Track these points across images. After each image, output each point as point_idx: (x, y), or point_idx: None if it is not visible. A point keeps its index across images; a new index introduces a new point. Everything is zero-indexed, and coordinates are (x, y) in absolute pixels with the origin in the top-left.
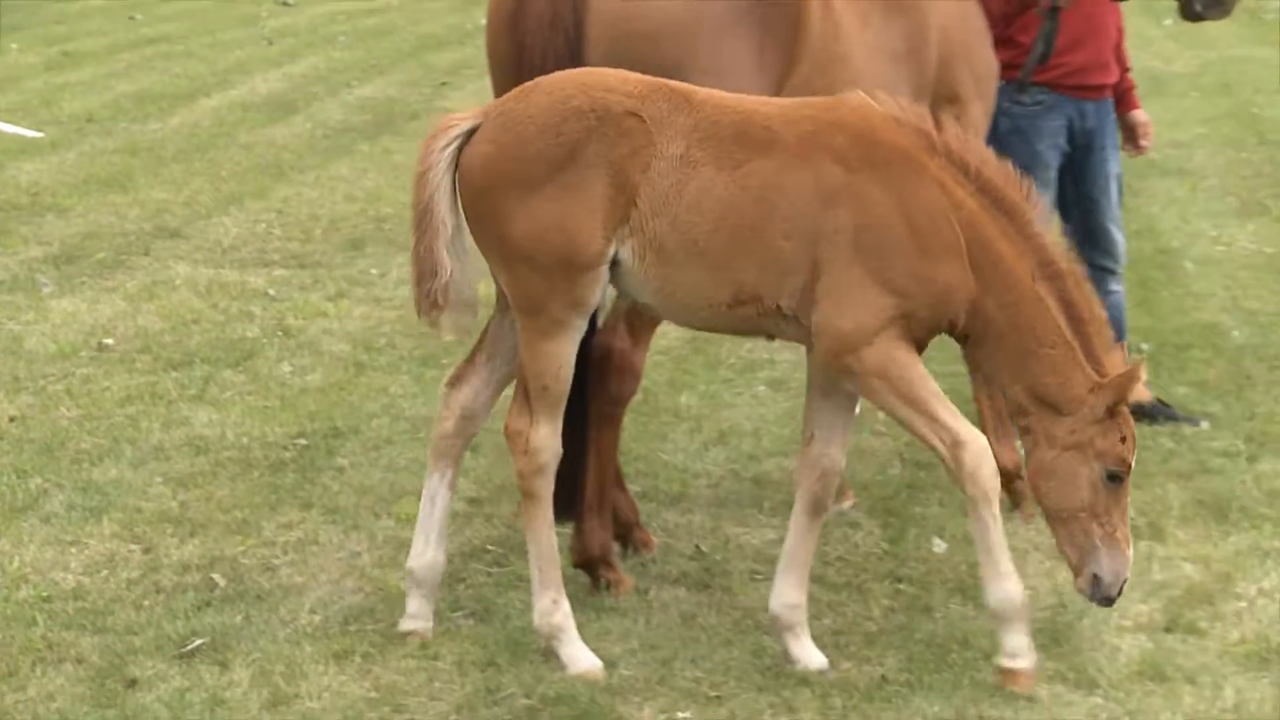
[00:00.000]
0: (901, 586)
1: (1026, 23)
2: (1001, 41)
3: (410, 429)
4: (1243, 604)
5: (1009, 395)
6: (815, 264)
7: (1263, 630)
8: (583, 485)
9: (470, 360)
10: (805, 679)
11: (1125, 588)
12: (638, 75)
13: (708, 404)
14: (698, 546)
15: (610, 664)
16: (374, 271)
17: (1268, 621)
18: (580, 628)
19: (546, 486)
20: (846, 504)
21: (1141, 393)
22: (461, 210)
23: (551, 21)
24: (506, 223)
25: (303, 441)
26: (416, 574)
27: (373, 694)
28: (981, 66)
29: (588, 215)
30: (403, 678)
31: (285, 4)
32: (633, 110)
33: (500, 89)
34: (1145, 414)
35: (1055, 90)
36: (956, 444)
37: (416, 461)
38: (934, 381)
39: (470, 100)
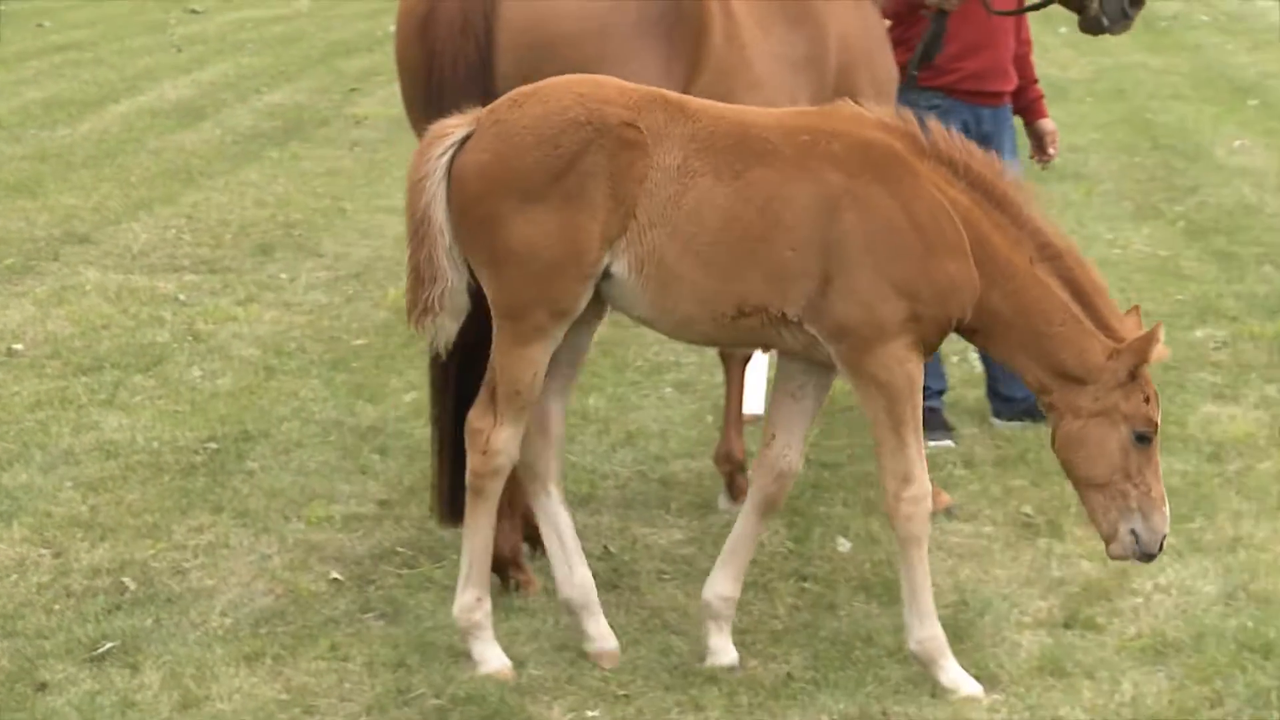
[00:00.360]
0: (807, 585)
1: (917, 24)
2: (897, 43)
3: (321, 432)
4: (1139, 600)
5: (1029, 379)
6: (825, 271)
7: (1159, 625)
8: None
9: None
10: (713, 677)
11: (1163, 544)
12: (633, 85)
13: (615, 406)
14: (606, 547)
15: (519, 663)
16: (284, 276)
17: (1164, 617)
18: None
19: (496, 489)
20: None
21: (1161, 351)
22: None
23: (462, 28)
24: (501, 229)
25: (213, 445)
26: (574, 600)
27: (283, 696)
28: (882, 72)
29: (585, 225)
30: (313, 679)
31: (194, 11)
32: (630, 121)
33: (409, 96)
34: (1043, 413)
35: (951, 95)
36: (905, 481)
37: (327, 464)
38: (921, 412)
39: (380, 106)
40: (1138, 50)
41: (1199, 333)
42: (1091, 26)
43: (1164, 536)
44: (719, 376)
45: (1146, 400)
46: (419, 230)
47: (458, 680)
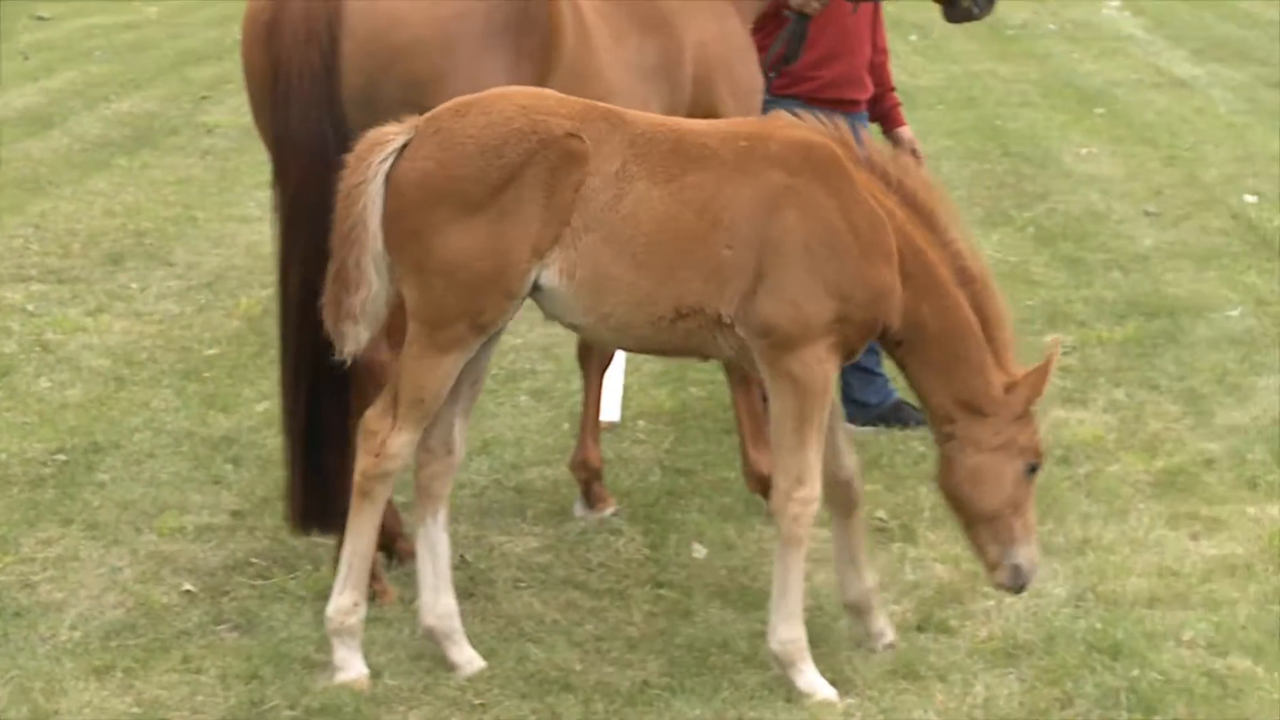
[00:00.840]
0: (663, 592)
1: (779, 28)
2: (760, 50)
3: (173, 443)
4: (991, 603)
5: (934, 405)
6: (759, 269)
7: (1010, 628)
8: (346, 498)
9: None
10: (569, 685)
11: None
12: (572, 98)
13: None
14: (462, 556)
15: (375, 673)
16: (134, 286)
17: (1015, 619)
18: None
19: (384, 493)
20: (608, 511)
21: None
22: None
23: (306, 36)
24: (434, 238)
25: (62, 457)
26: (438, 630)
27: (135, 709)
28: (744, 82)
29: (519, 240)
30: (165, 692)
31: (40, 19)
32: (573, 132)
33: (256, 103)
34: (897, 419)
35: (810, 103)
36: (798, 483)
37: (179, 475)
38: (826, 418)
39: (230, 115)
40: (987, 58)
41: (1048, 338)
42: (960, 16)
43: (1038, 566)
44: (575, 384)
45: (1036, 431)
46: (350, 235)
47: (312, 691)
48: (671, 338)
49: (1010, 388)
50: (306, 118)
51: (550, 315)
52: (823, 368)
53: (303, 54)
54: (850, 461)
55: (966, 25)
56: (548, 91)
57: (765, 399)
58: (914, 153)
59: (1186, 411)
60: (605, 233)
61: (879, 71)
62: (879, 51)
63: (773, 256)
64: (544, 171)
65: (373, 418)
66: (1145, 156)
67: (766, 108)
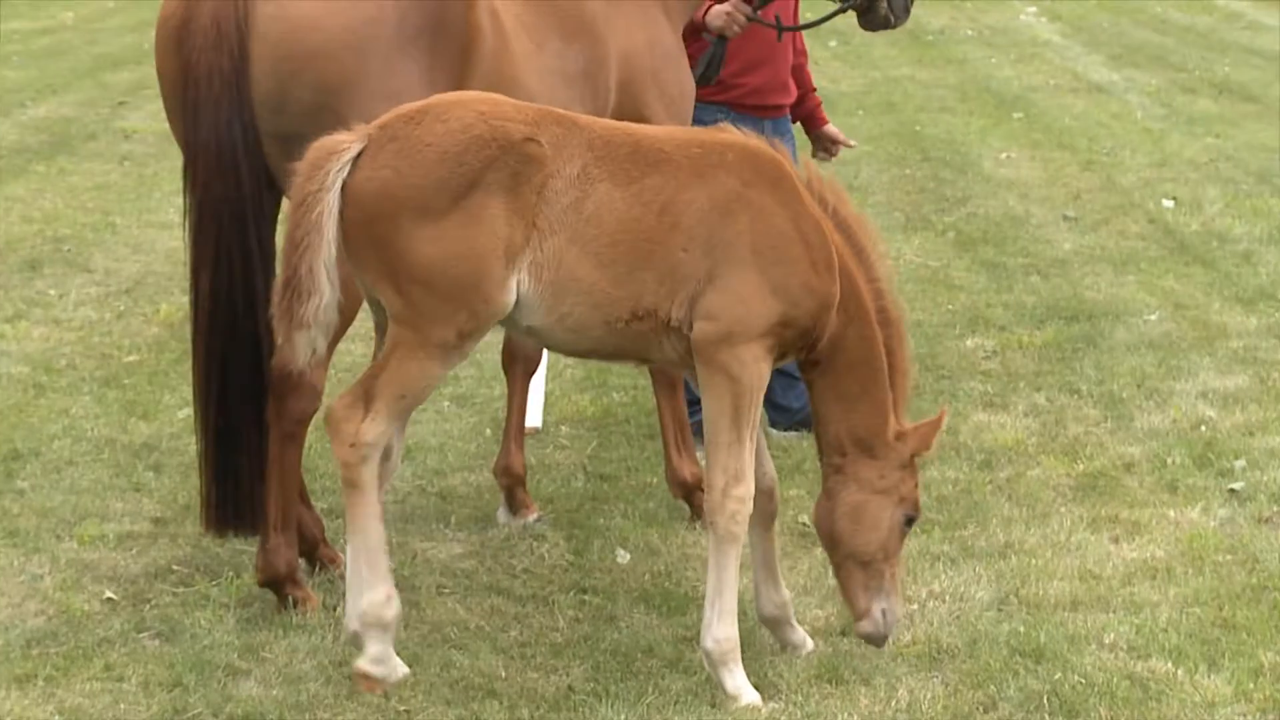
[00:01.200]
0: (587, 597)
1: (700, 44)
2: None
3: (93, 450)
4: (914, 607)
5: (829, 434)
6: (710, 272)
7: (934, 632)
8: (266, 504)
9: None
10: (493, 691)
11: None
12: (525, 103)
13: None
14: None
15: (299, 680)
16: (53, 293)
17: (938, 623)
18: (267, 645)
19: (371, 475)
20: (531, 517)
21: (935, 446)
22: (341, 233)
23: (216, 40)
24: (404, 246)
25: None
26: (369, 615)
27: (57, 717)
28: (673, 89)
29: (490, 244)
30: (87, 700)
31: None
32: (531, 136)
33: (169, 106)
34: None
35: (735, 109)
36: (735, 479)
37: (99, 483)
38: (758, 418)
39: (149, 120)
40: (906, 63)
41: (969, 342)
42: (877, 24)
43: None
44: (497, 390)
45: (917, 485)
46: (304, 241)
47: (236, 699)
48: (622, 340)
49: (900, 436)
50: (215, 121)
51: (505, 319)
52: (759, 367)
53: (212, 58)
54: (771, 470)
55: (886, 31)
56: (500, 96)
57: (691, 403)
58: (838, 146)
59: (1106, 415)
60: (570, 234)
61: (799, 74)
62: (799, 54)
63: (724, 258)
64: (506, 176)
65: (340, 410)
66: (1063, 161)
67: (696, 114)
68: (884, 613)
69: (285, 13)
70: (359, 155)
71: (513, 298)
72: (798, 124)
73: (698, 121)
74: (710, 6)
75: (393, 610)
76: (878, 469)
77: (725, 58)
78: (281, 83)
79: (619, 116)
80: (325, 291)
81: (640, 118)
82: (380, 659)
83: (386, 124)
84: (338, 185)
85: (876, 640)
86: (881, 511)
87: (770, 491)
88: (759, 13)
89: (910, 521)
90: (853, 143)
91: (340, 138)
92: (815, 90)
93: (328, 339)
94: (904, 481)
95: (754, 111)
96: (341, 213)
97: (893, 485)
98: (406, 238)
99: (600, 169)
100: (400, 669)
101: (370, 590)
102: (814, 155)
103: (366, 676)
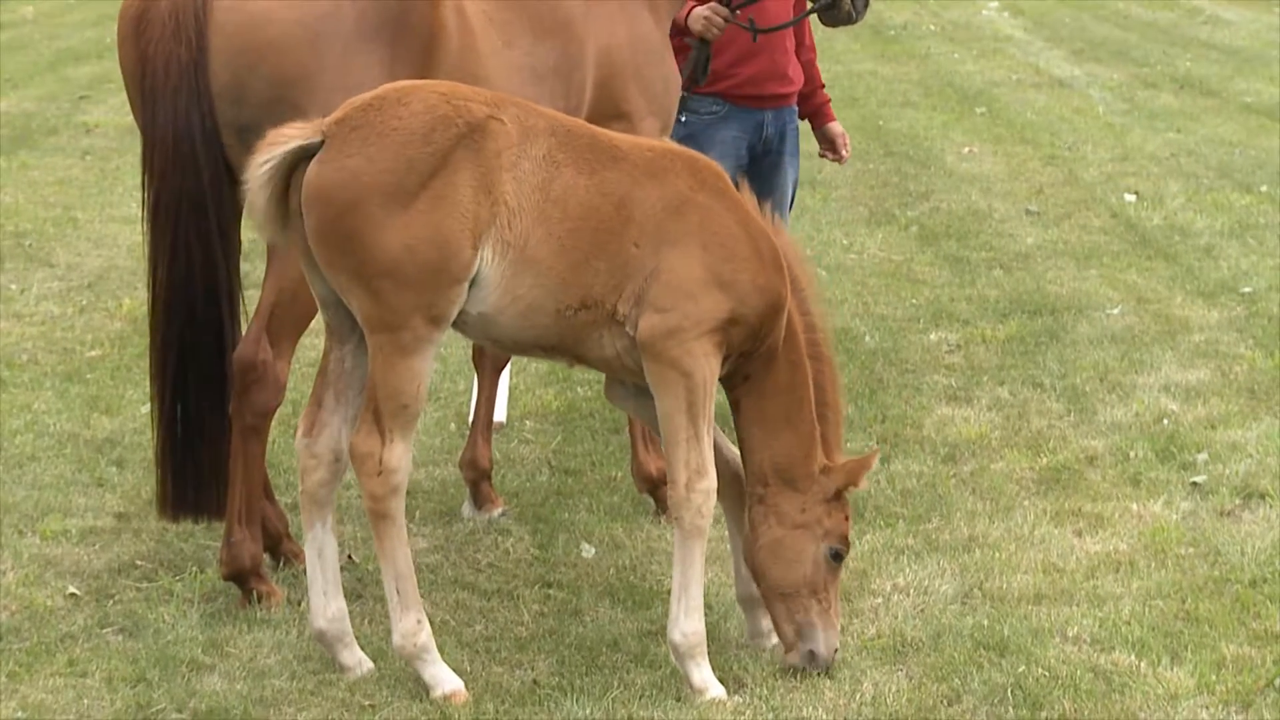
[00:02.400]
0: (551, 592)
1: (682, 48)
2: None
3: (55, 445)
4: (879, 600)
5: (753, 463)
6: (657, 267)
7: (898, 625)
8: (230, 498)
9: (318, 404)
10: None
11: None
12: (481, 89)
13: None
14: (350, 556)
15: (263, 675)
16: (14, 287)
17: (903, 617)
18: (232, 640)
19: (399, 506)
20: (496, 511)
21: (863, 483)
22: (306, 233)
23: (174, 31)
24: (374, 238)
25: None
26: (329, 633)
27: (20, 713)
28: (656, 85)
29: (458, 224)
30: (50, 696)
31: None
32: (495, 115)
33: (130, 96)
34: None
35: (729, 100)
36: (698, 473)
37: (61, 478)
38: (711, 410)
39: (111, 114)
40: (868, 58)
41: (933, 336)
42: (840, 19)
43: (836, 650)
44: (461, 385)
45: (846, 519)
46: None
47: (200, 693)
48: (565, 330)
49: (827, 470)
50: (173, 112)
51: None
52: (709, 362)
53: (169, 48)
54: (735, 454)
55: (847, 27)
56: (456, 83)
57: None
58: (845, 147)
59: (1069, 409)
60: (537, 214)
61: (808, 69)
62: (806, 49)
63: (671, 254)
64: (472, 154)
65: (361, 440)
66: (1026, 156)
67: (686, 105)
68: (810, 654)
69: (242, 5)
70: (320, 152)
71: (471, 278)
72: (804, 120)
73: (694, 113)
74: (691, 8)
75: (424, 634)
76: (799, 502)
77: (710, 59)
78: (238, 75)
79: (599, 112)
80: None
81: (620, 112)
82: (438, 680)
83: (343, 116)
84: (270, 177)
85: (808, 670)
86: (803, 546)
87: (738, 475)
88: (736, 14)
89: (838, 556)
90: (846, 154)
91: (286, 130)
92: (824, 87)
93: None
94: (829, 515)
95: (750, 102)
96: (308, 212)
97: (815, 519)
98: (376, 228)
99: (563, 155)
100: (365, 664)
101: (401, 621)
102: (820, 154)
103: (447, 698)
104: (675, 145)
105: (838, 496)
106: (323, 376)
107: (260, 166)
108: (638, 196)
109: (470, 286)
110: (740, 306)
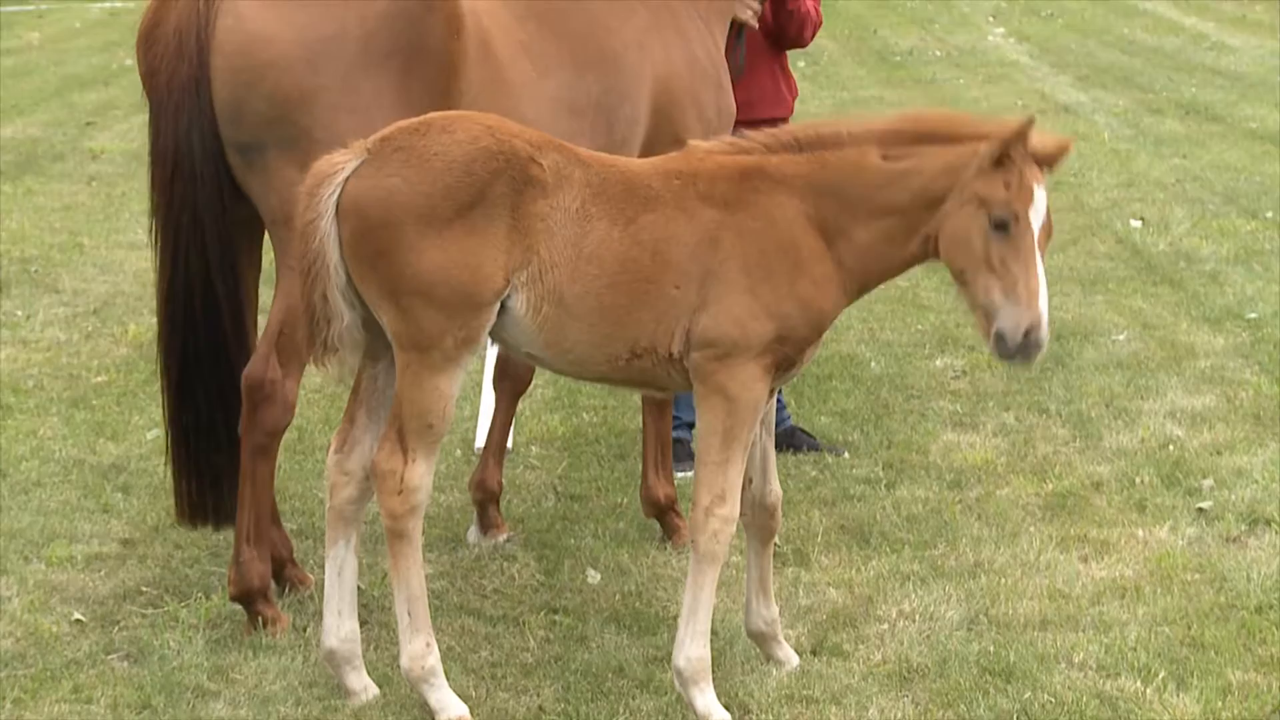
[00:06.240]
0: (557, 618)
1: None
2: None
3: (61, 471)
4: (884, 626)
5: None
6: (704, 301)
7: (903, 651)
8: (239, 519)
9: (351, 421)
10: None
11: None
12: (527, 128)
13: None
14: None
15: (268, 702)
16: (20, 313)
17: (908, 642)
18: (237, 667)
19: (417, 527)
20: (502, 537)
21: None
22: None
23: (178, 50)
24: (407, 257)
25: None
26: (339, 653)
27: None
28: (710, 111)
29: (491, 252)
30: None
31: None
32: (535, 158)
33: (149, 107)
34: (790, 444)
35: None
36: (719, 500)
37: (67, 504)
38: (750, 439)
39: (117, 140)
40: (874, 84)
41: (938, 362)
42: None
43: (1031, 331)
44: (467, 410)
45: (1006, 186)
46: (311, 272)
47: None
48: (629, 375)
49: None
50: (175, 128)
51: (504, 342)
52: (757, 387)
53: (173, 65)
54: (777, 489)
55: (854, 51)
56: (502, 118)
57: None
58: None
59: (1075, 435)
60: (571, 271)
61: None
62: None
63: (715, 285)
64: (510, 191)
65: (383, 458)
66: None
67: None
68: (999, 335)
69: (243, 25)
70: (360, 166)
71: (497, 304)
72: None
73: None
74: None
75: (433, 658)
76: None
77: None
78: (237, 93)
79: (655, 142)
80: (345, 315)
81: (677, 143)
82: (444, 705)
83: (389, 136)
84: (331, 210)
85: (1005, 357)
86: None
87: (773, 509)
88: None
89: (1002, 225)
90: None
91: (335, 158)
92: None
93: (359, 357)
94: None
95: (748, 128)
96: (342, 224)
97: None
98: (408, 248)
99: (597, 207)
100: (371, 689)
101: (409, 643)
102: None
103: None
104: (699, 156)
105: (999, 164)
106: (355, 394)
107: (319, 198)
108: (671, 235)
109: (503, 326)
110: (785, 324)
